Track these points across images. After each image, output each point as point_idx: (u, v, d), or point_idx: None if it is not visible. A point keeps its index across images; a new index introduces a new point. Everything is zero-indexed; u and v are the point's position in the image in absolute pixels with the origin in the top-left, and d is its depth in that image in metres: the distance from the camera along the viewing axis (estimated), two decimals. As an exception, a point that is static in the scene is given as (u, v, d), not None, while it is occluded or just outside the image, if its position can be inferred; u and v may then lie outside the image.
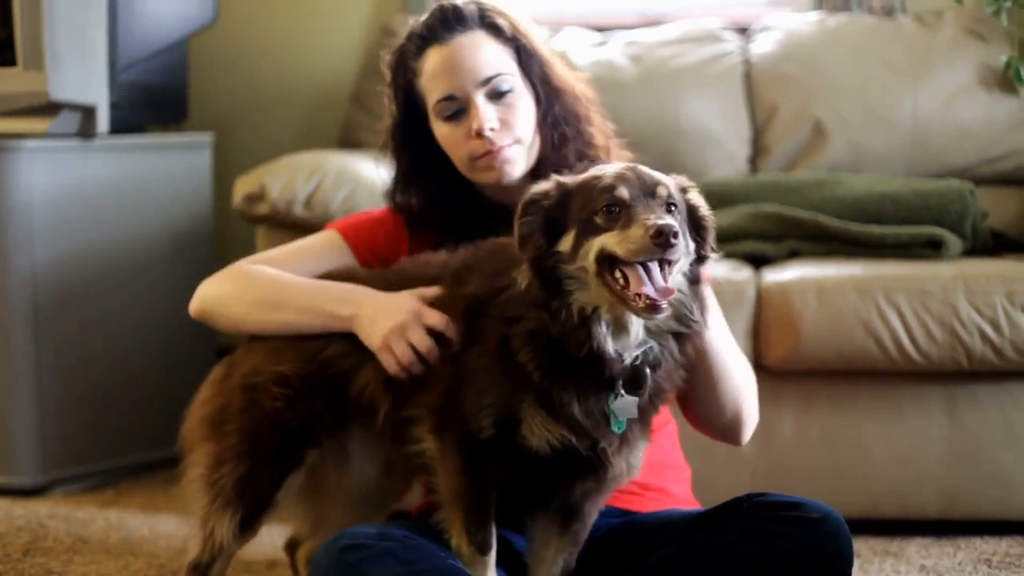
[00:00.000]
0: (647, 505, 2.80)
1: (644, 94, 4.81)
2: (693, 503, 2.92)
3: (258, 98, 5.55)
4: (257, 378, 2.67)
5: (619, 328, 2.30)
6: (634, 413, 2.36)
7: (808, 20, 5.01)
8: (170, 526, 4.08)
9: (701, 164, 4.76)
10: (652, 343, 2.33)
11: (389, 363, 2.53)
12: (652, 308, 2.20)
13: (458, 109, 2.75)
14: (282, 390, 2.64)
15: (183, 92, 5.10)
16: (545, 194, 2.37)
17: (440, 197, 2.86)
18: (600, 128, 2.89)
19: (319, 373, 2.64)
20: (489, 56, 2.77)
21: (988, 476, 3.92)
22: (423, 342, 2.51)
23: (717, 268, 4.02)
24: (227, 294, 2.82)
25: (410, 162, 2.88)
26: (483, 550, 2.46)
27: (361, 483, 2.83)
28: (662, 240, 2.17)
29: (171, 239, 4.82)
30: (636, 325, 2.31)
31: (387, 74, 2.91)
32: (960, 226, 4.24)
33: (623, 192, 2.27)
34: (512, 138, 2.74)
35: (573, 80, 2.89)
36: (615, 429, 2.36)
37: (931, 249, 4.12)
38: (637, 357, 2.32)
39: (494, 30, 2.80)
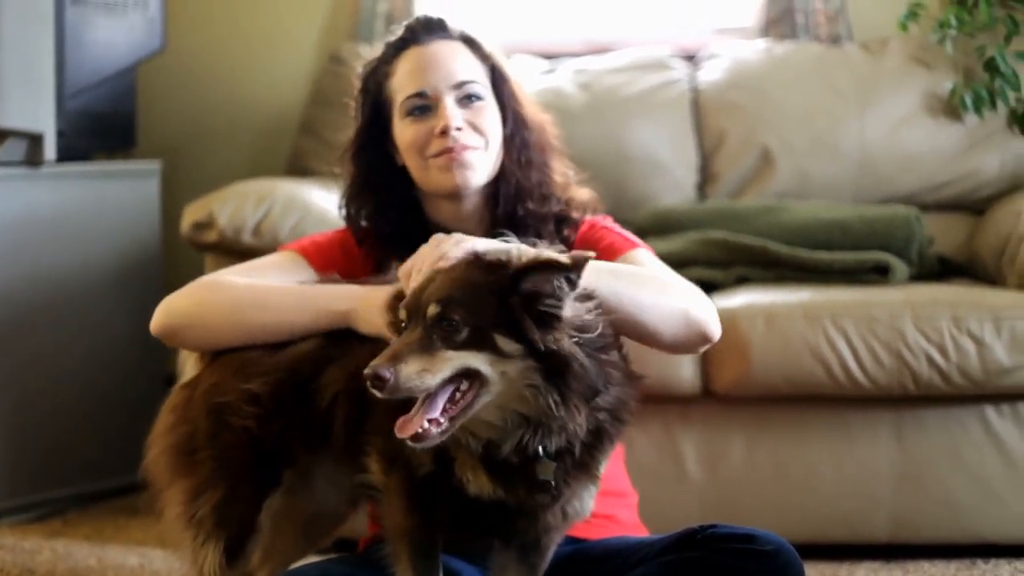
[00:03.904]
0: (594, 532, 2.78)
1: (592, 121, 4.82)
2: (640, 528, 2.91)
3: (207, 126, 5.54)
4: (224, 398, 2.57)
5: (473, 424, 2.24)
6: (549, 474, 2.29)
7: (755, 48, 5.04)
8: (118, 556, 4.05)
9: (649, 191, 4.78)
10: (528, 431, 2.24)
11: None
12: (413, 439, 2.17)
13: (425, 106, 2.76)
14: (252, 409, 2.54)
15: (131, 120, 5.08)
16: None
17: (388, 209, 2.86)
18: (560, 169, 2.90)
19: (290, 387, 2.55)
20: (465, 63, 2.80)
21: (936, 500, 3.93)
22: None
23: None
24: (202, 302, 2.70)
25: (366, 169, 2.88)
26: None
27: (317, 509, 2.78)
28: (370, 385, 2.13)
29: (119, 267, 4.79)
30: (492, 421, 2.24)
31: (357, 84, 2.91)
32: (907, 252, 4.27)
33: (403, 314, 2.24)
34: (476, 142, 2.76)
35: (541, 117, 2.92)
36: (543, 488, 2.30)
37: (878, 275, 4.15)
38: (524, 441, 2.25)
39: (473, 46, 2.84)
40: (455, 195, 2.79)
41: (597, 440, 2.34)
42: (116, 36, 4.89)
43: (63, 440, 4.65)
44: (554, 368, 2.19)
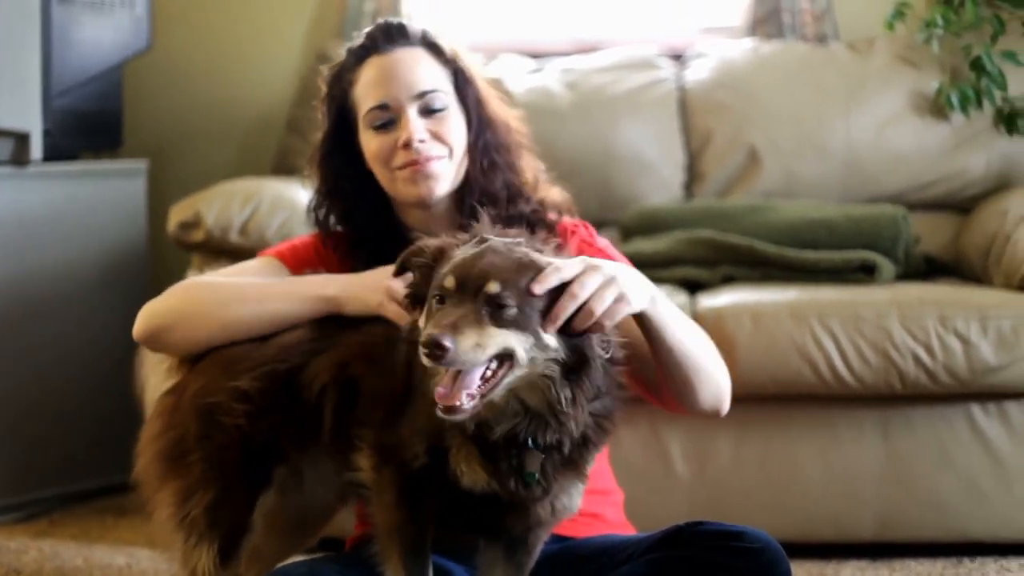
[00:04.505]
0: (580, 530, 2.78)
1: (579, 121, 4.83)
2: (627, 527, 2.91)
3: (193, 125, 5.53)
4: (213, 398, 2.55)
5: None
6: (536, 467, 2.31)
7: (742, 47, 5.05)
8: (105, 556, 4.05)
9: (636, 190, 4.78)
10: (524, 420, 2.26)
11: (395, 311, 2.47)
12: (447, 411, 2.16)
13: (389, 119, 2.76)
14: (242, 406, 2.53)
15: (118, 119, 5.07)
16: (421, 251, 2.33)
17: (358, 216, 2.87)
18: (529, 165, 2.90)
19: (279, 381, 2.54)
20: (426, 72, 2.79)
21: (922, 499, 3.94)
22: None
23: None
24: (184, 301, 2.68)
25: (334, 174, 2.88)
26: None
27: (305, 508, 2.78)
28: (428, 352, 2.10)
29: (105, 267, 4.78)
30: (499, 401, 2.24)
31: (323, 88, 2.91)
32: (893, 251, 4.28)
33: (450, 283, 2.20)
34: (440, 152, 2.75)
35: (507, 115, 2.91)
36: (527, 480, 2.31)
37: (864, 274, 4.16)
38: (517, 428, 2.26)
39: (435, 50, 2.82)
40: (422, 204, 2.80)
41: (583, 441, 2.34)
42: (103, 35, 4.88)
43: (49, 439, 4.64)
44: (574, 366, 2.22)
